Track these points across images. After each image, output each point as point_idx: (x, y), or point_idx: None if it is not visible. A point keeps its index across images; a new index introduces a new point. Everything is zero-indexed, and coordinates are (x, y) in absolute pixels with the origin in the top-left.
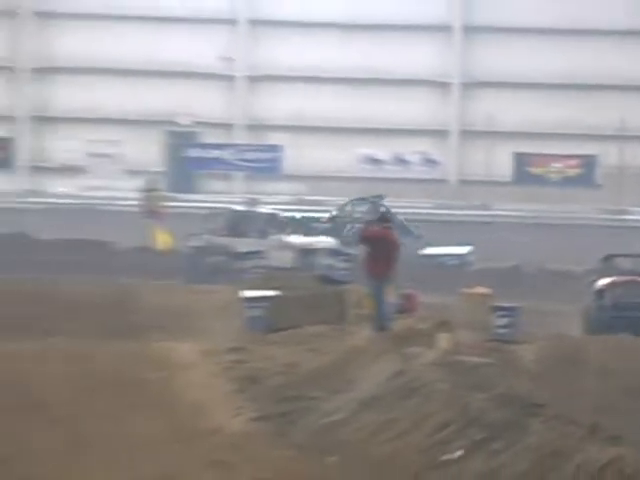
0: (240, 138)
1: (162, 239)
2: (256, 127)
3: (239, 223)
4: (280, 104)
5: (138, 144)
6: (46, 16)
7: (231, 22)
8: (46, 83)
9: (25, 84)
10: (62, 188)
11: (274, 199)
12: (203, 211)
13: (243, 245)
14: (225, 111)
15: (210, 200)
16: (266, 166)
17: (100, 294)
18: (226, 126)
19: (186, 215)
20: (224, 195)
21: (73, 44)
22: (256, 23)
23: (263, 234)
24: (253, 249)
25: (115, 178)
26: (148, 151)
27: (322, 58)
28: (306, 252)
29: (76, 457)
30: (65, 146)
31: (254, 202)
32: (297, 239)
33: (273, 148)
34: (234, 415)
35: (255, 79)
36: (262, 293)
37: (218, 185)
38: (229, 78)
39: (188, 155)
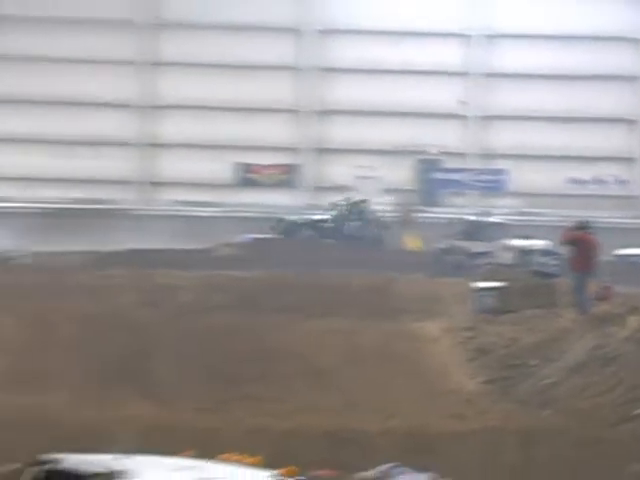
0: (473, 164)
1: (414, 242)
2: (486, 155)
3: (473, 230)
4: (505, 138)
5: (395, 169)
6: (324, 70)
7: (465, 75)
8: (324, 122)
9: (309, 123)
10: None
11: (500, 211)
12: (445, 221)
13: (476, 247)
14: (462, 143)
15: (450, 212)
16: (494, 185)
17: (368, 284)
18: (462, 155)
19: (432, 224)
20: (461, 208)
21: (345, 92)
22: (486, 75)
23: (491, 238)
24: (483, 250)
25: (376, 195)
26: (403, 174)
27: (537, 102)
28: (525, 252)
29: (349, 412)
30: (338, 171)
31: (484, 213)
32: (517, 242)
33: (499, 171)
34: (469, 378)
35: (485, 118)
36: (490, 284)
37: (456, 200)
38: (464, 118)
39: (434, 177)
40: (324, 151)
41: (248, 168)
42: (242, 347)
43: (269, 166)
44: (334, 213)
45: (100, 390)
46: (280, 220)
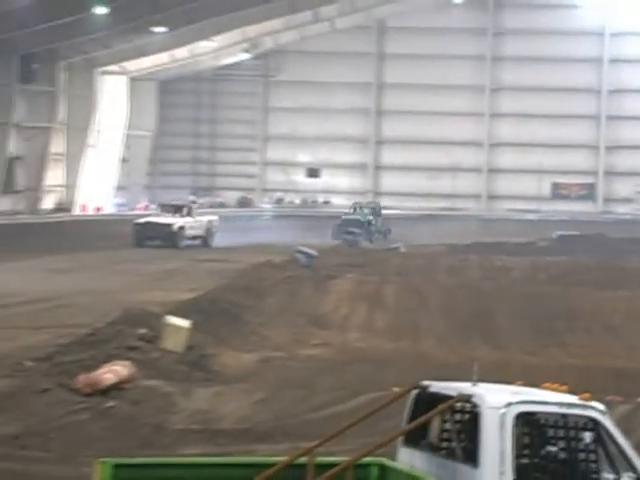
0: None
1: None
2: None
3: None
4: None
5: None
6: (612, 118)
7: None
8: (613, 155)
9: (602, 156)
10: (622, 209)
11: None
12: None
13: None
14: None
15: None
16: None
17: None
18: None
19: None
20: None
21: (629, 134)
22: None
23: None
24: None
25: None
26: None
27: None
28: None
29: (630, 355)
30: (623, 188)
31: None
32: None
33: None
34: None
35: None
36: None
37: None
38: None
39: None
40: (613, 174)
41: (559, 186)
42: (555, 309)
43: (574, 184)
44: (369, 213)
45: (457, 338)
46: (353, 220)
